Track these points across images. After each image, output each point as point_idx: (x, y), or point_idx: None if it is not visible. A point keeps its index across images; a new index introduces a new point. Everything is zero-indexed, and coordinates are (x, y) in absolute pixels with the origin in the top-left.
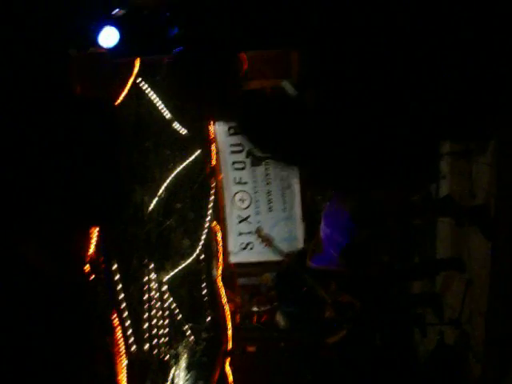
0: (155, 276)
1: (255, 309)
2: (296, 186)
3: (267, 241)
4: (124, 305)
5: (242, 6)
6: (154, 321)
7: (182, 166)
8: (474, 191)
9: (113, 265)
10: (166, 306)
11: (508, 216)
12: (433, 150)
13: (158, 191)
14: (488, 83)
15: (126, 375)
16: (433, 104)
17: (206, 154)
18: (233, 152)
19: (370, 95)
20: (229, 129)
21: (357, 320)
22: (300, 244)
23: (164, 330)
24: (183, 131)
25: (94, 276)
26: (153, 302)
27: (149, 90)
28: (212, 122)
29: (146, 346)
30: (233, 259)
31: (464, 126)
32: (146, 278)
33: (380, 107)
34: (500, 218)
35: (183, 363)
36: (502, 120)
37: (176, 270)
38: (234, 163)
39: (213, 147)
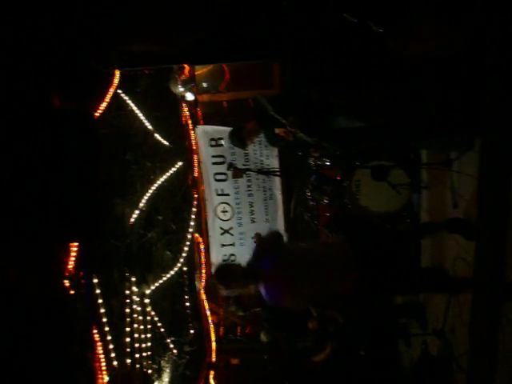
0: (137, 289)
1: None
2: (278, 197)
3: None
4: (105, 319)
5: (225, 19)
6: (136, 335)
7: (163, 178)
8: (456, 201)
9: (93, 279)
10: (148, 319)
11: (489, 226)
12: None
13: (139, 204)
14: (470, 94)
15: None
16: (416, 113)
17: (188, 166)
18: (214, 163)
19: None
20: (210, 140)
21: (340, 335)
22: None
23: (146, 343)
24: (164, 142)
25: (73, 291)
26: (134, 316)
27: (129, 101)
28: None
29: (128, 361)
30: None
31: (446, 136)
32: (128, 291)
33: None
34: (482, 229)
35: (166, 377)
36: (484, 130)
37: (158, 283)
38: (215, 174)
39: (195, 158)
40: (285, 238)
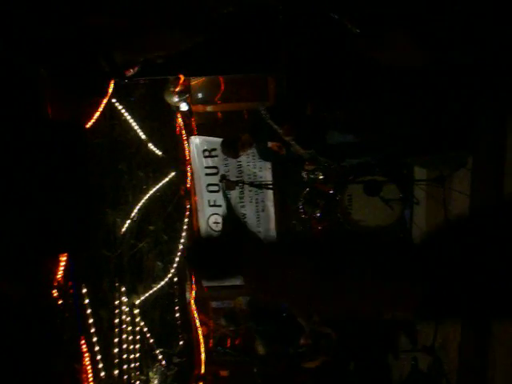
0: (126, 299)
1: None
2: (271, 209)
3: None
4: (93, 329)
5: (222, 33)
6: (125, 345)
7: (155, 188)
8: (448, 218)
9: (82, 289)
10: (137, 329)
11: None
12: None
13: (131, 213)
14: (462, 111)
15: None
16: (407, 129)
17: (181, 176)
18: (207, 174)
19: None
20: (204, 151)
21: (332, 350)
22: None
23: (135, 354)
24: (158, 152)
25: (61, 301)
26: (124, 326)
27: (123, 110)
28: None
29: (116, 372)
30: (206, 282)
31: (439, 153)
32: (117, 301)
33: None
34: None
35: None
36: (476, 148)
37: (148, 294)
38: (208, 185)
39: (188, 169)
40: None
